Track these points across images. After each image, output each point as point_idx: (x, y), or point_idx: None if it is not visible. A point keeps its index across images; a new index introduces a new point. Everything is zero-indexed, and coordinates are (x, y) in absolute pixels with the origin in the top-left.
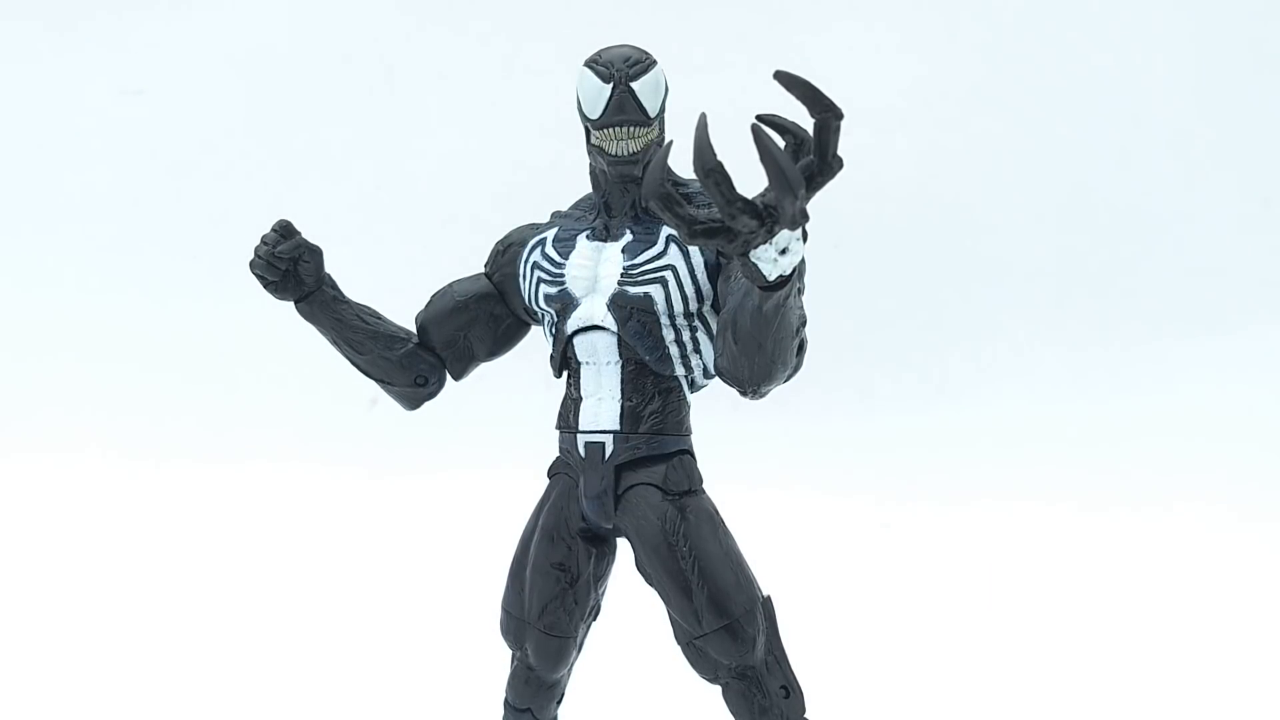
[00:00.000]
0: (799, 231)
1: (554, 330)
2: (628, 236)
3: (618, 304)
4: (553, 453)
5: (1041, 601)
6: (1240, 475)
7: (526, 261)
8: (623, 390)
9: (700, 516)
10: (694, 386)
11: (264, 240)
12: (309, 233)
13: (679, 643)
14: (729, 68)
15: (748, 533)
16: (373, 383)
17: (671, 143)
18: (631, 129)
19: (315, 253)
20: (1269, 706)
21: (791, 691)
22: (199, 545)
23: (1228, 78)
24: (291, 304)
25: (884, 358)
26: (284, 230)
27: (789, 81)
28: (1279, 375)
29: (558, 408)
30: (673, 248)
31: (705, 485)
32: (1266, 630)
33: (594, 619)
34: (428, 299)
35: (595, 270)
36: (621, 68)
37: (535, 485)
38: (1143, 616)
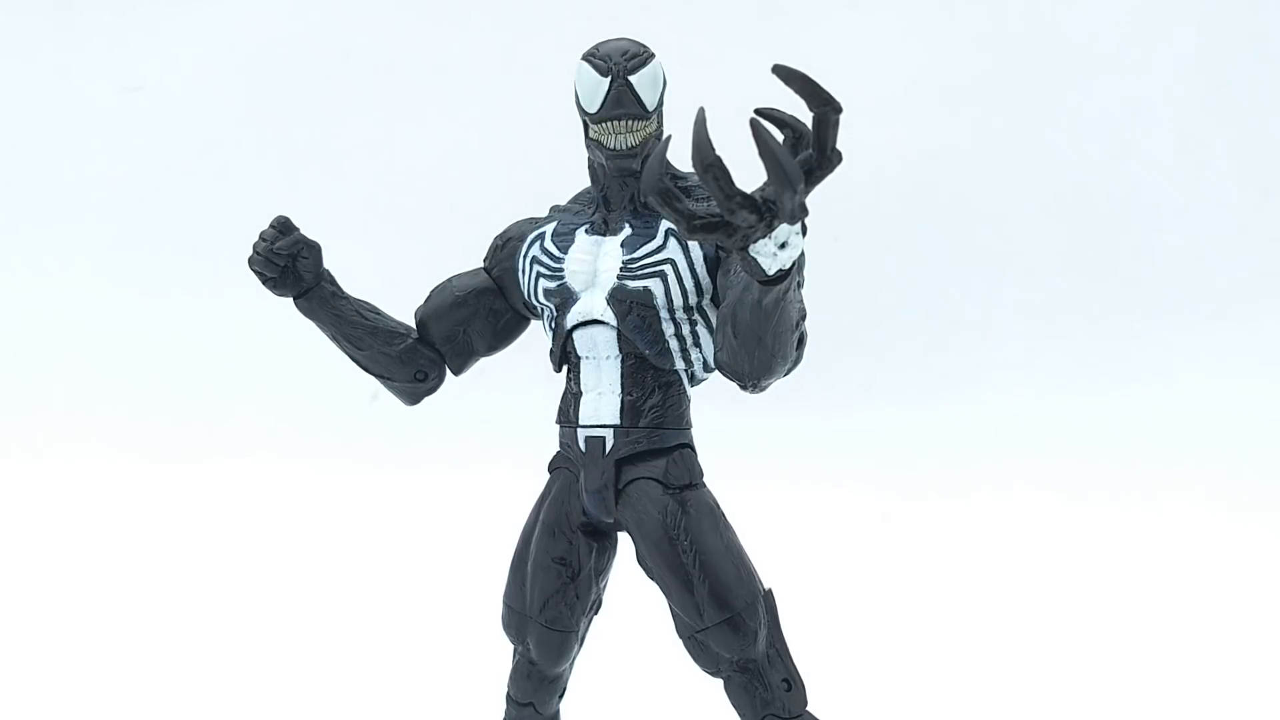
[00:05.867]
0: (798, 226)
1: (553, 325)
2: (626, 230)
3: (617, 298)
4: (553, 447)
5: (1042, 593)
6: (1240, 466)
7: (525, 256)
8: (623, 384)
9: (701, 510)
10: (694, 380)
11: (262, 236)
12: (307, 229)
13: (680, 636)
14: (727, 62)
15: (749, 526)
16: (373, 378)
17: (670, 137)
18: (630, 123)
19: (314, 248)
20: (1271, 701)
21: (793, 684)
22: (201, 539)
23: (1229, 69)
24: (290, 300)
25: (884, 350)
26: (282, 226)
27: (787, 75)
28: (1278, 366)
29: (557, 402)
30: (672, 242)
31: (706, 479)
32: (1266, 620)
33: (595, 613)
34: (427, 294)
35: (594, 265)
36: (619, 61)
37: (536, 480)
38: (1143, 607)
